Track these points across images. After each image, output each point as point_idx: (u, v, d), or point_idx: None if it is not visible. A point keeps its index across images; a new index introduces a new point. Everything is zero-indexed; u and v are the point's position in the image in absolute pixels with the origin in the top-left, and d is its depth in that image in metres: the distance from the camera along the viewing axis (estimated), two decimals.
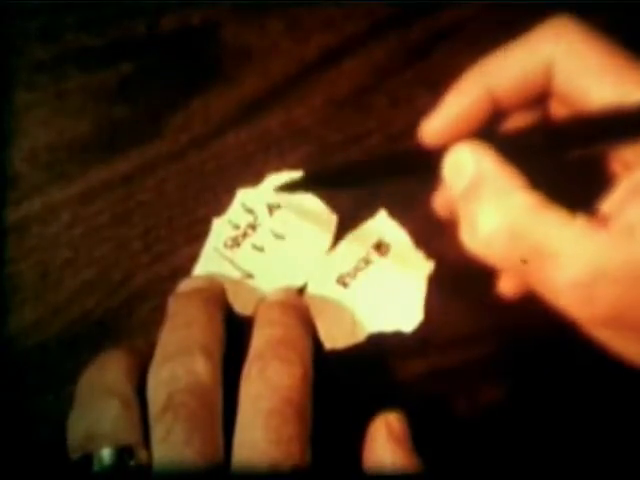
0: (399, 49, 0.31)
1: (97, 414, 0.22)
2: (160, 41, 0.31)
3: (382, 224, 0.29)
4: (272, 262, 0.29)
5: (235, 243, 0.29)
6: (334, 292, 0.28)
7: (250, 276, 0.29)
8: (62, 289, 0.29)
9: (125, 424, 0.21)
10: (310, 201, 0.29)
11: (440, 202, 0.26)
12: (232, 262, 0.29)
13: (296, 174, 0.29)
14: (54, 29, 0.31)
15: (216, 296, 0.25)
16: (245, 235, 0.29)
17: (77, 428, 0.22)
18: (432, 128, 0.23)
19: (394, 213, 0.29)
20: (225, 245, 0.29)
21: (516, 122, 0.24)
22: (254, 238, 0.29)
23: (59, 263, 0.29)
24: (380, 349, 0.28)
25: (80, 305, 0.28)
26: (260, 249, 0.29)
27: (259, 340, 0.23)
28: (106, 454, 0.21)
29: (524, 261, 0.19)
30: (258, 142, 0.30)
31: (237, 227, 0.29)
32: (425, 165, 0.23)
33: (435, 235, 0.28)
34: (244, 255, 0.29)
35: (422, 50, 0.31)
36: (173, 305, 0.24)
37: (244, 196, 0.30)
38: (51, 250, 0.29)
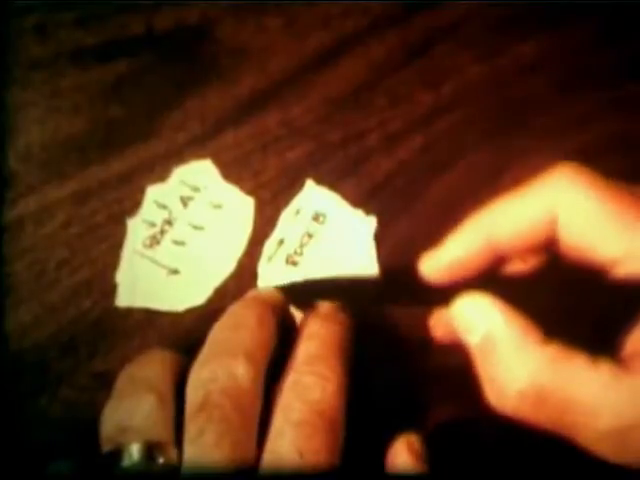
0: (398, 47, 0.31)
1: (131, 407, 0.21)
2: (156, 39, 0.31)
3: (312, 193, 0.29)
4: (196, 254, 0.28)
5: (154, 241, 0.28)
6: (287, 273, 0.28)
7: (176, 272, 0.28)
8: (58, 289, 0.28)
9: (158, 420, 0.21)
10: (222, 187, 0.29)
11: (437, 324, 0.25)
12: (154, 261, 0.28)
13: (205, 163, 0.29)
14: (50, 27, 0.31)
15: (274, 305, 0.24)
16: (163, 232, 0.28)
17: (110, 419, 0.22)
18: (432, 267, 0.23)
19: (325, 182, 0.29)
20: (144, 245, 0.28)
21: (522, 264, 0.24)
22: (173, 233, 0.29)
23: (55, 263, 0.29)
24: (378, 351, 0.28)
25: (76, 305, 0.28)
26: (181, 243, 0.28)
27: (298, 353, 0.23)
28: (135, 449, 0.21)
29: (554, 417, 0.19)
30: (256, 141, 0.30)
31: (153, 225, 0.29)
32: (425, 297, 0.23)
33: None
34: (166, 252, 0.28)
35: (421, 48, 0.31)
36: (230, 308, 0.24)
37: (154, 192, 0.29)
38: (47, 250, 0.29)
